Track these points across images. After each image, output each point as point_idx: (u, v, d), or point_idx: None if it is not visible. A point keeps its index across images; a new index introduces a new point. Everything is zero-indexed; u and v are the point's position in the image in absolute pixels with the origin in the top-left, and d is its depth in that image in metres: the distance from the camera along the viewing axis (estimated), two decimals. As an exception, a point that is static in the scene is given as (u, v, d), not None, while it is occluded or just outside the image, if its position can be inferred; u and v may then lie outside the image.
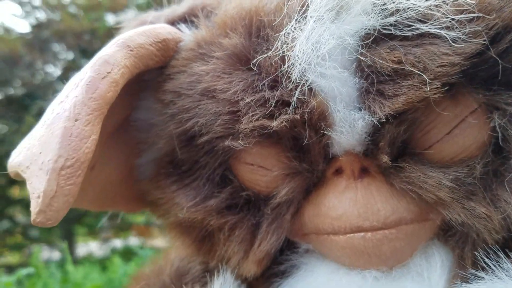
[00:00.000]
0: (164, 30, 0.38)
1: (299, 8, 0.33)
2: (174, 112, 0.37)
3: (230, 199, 0.37)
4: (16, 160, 0.32)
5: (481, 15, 0.29)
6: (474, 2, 0.29)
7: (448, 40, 0.30)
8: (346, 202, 0.34)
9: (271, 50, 0.33)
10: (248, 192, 0.37)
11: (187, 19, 0.42)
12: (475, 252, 0.33)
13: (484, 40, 0.30)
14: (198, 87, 0.35)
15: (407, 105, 0.30)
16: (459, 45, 0.30)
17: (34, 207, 0.29)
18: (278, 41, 0.32)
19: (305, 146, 0.34)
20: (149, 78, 0.40)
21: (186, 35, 0.40)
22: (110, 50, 0.33)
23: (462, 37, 0.29)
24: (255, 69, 0.33)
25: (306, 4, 0.33)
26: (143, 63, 0.35)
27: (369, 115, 0.31)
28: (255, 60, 0.33)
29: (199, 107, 0.35)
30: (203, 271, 0.41)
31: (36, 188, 0.29)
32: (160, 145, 0.39)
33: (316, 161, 0.34)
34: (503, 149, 0.32)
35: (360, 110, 0.31)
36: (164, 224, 0.43)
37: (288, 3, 0.34)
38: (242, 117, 0.33)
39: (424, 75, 0.29)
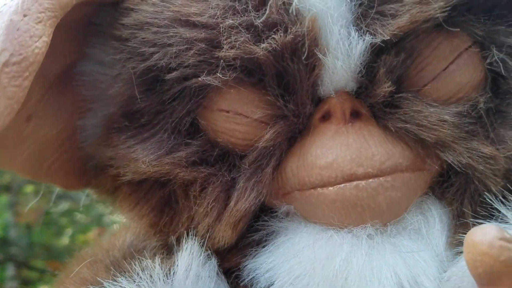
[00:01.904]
0: None
1: None
2: (135, 47, 0.32)
3: (201, 153, 0.32)
4: None
5: None
6: None
7: None
8: (337, 148, 0.30)
9: None
10: (222, 144, 0.32)
11: None
12: (475, 203, 0.30)
13: None
14: (167, 13, 0.31)
15: (411, 24, 0.28)
16: None
17: None
18: None
19: (291, 83, 0.30)
20: (101, 22, 0.35)
21: None
22: None
23: None
24: None
25: None
26: None
27: (370, 37, 0.28)
28: None
29: (169, 36, 0.30)
30: (162, 247, 0.34)
31: None
32: (115, 91, 0.33)
33: (304, 102, 0.30)
34: (502, 86, 0.31)
35: (358, 33, 0.28)
36: (114, 196, 0.36)
37: None
38: (223, 43, 0.29)
39: None
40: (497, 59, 0.30)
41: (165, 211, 0.34)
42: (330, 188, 0.30)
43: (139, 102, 0.32)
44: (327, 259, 0.29)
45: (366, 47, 0.28)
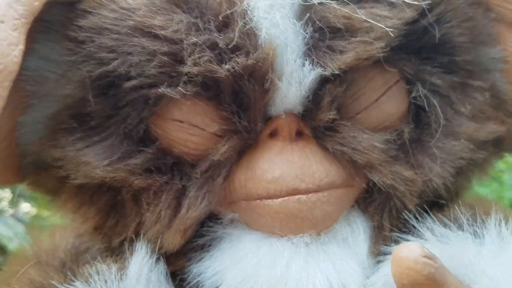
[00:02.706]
0: None
1: None
2: (92, 51, 0.32)
3: (155, 160, 0.33)
4: None
5: None
6: None
7: (390, 4, 0.32)
8: (283, 164, 0.33)
9: None
10: (174, 153, 0.33)
11: None
12: (393, 219, 0.35)
13: (421, 10, 0.32)
14: (128, 22, 0.31)
15: (356, 61, 0.31)
16: (399, 10, 0.32)
17: None
18: None
19: (245, 102, 0.32)
20: (51, 20, 0.34)
21: None
22: None
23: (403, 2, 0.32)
24: (196, 10, 0.31)
25: None
26: None
27: (320, 69, 0.31)
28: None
29: (130, 45, 0.31)
30: (106, 249, 0.35)
31: None
32: (67, 92, 0.33)
33: (256, 120, 0.33)
34: (423, 119, 0.35)
35: (310, 63, 0.31)
36: (56, 195, 0.36)
37: None
38: (187, 59, 0.30)
39: (374, 33, 0.31)
40: (421, 94, 0.35)
41: (111, 214, 0.34)
42: (275, 200, 0.33)
43: (91, 105, 0.32)
44: (270, 265, 0.32)
45: (316, 77, 0.31)
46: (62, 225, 0.38)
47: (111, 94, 0.32)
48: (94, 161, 0.32)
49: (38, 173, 0.36)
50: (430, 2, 0.33)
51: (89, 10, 0.33)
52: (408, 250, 0.27)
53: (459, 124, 0.35)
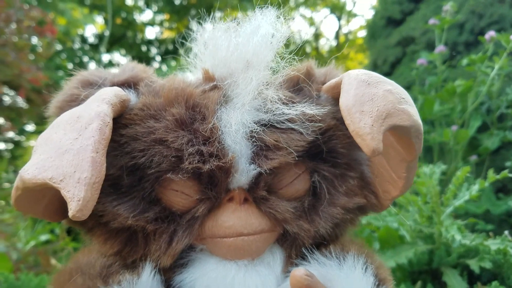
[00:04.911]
0: (123, 92, 0.55)
1: (221, 98, 0.55)
2: (128, 150, 0.53)
3: (159, 213, 0.55)
4: (44, 175, 0.44)
5: (317, 122, 0.56)
6: (314, 116, 0.56)
7: (299, 133, 0.56)
8: (235, 218, 0.55)
9: (205, 121, 0.54)
10: (170, 208, 0.56)
11: (127, 84, 0.59)
12: (297, 252, 0.58)
13: (317, 135, 0.57)
14: (152, 136, 0.53)
15: (279, 165, 0.54)
16: (305, 136, 0.56)
17: (75, 207, 0.42)
18: (210, 117, 0.54)
19: (215, 182, 0.54)
20: None
21: (131, 96, 0.57)
22: (104, 106, 0.49)
23: (307, 132, 0.56)
24: (192, 131, 0.53)
25: (225, 96, 0.55)
26: (113, 115, 0.52)
27: (259, 168, 0.54)
28: (194, 126, 0.53)
29: (153, 150, 0.52)
30: (122, 265, 0.56)
31: (76, 195, 0.42)
32: (109, 172, 0.54)
33: (221, 192, 0.55)
34: (317, 193, 0.59)
35: (254, 164, 0.55)
36: (91, 231, 0.57)
37: (210, 94, 0.56)
38: (185, 160, 0.52)
39: (289, 149, 0.55)
40: (316, 180, 0.59)
41: (128, 244, 0.55)
42: (229, 239, 0.55)
43: (124, 180, 0.54)
44: (223, 277, 0.55)
45: (257, 172, 0.55)
46: (88, 248, 0.59)
47: (137, 174, 0.54)
48: (125, 213, 0.53)
49: None
50: (323, 130, 0.57)
51: (127, 124, 0.54)
52: (298, 271, 0.51)
53: (337, 198, 0.59)
